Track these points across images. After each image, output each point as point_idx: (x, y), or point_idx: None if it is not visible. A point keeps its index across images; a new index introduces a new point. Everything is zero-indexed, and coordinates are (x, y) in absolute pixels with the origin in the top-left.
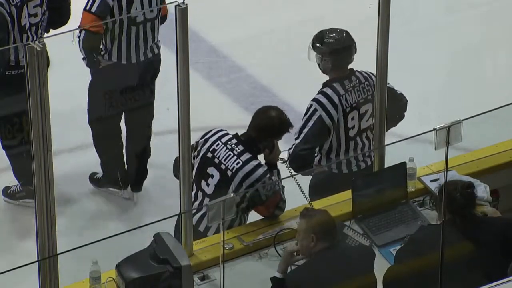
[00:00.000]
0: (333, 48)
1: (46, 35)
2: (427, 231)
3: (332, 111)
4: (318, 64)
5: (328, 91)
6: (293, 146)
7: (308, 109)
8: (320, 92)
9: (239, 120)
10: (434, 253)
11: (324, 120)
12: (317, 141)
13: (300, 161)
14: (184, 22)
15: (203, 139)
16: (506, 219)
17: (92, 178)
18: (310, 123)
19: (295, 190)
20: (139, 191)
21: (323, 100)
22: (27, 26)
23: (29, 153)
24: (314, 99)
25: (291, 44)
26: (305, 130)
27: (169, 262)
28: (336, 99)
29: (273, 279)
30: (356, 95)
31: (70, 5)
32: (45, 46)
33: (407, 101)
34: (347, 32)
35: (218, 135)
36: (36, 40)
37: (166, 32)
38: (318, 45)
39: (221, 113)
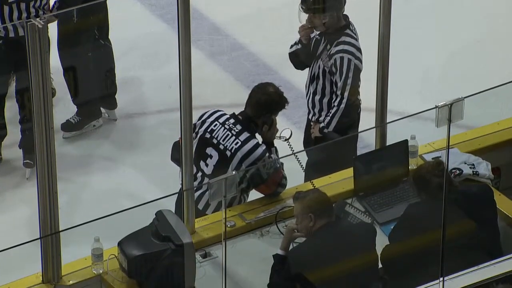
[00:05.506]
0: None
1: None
2: (415, 208)
3: (359, 55)
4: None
5: (347, 39)
6: (342, 100)
7: (342, 62)
8: (341, 43)
9: (240, 98)
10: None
11: (359, 67)
12: (358, 88)
13: (353, 112)
14: (185, 0)
15: (200, 121)
16: (484, 184)
17: (67, 125)
18: (351, 74)
19: (297, 167)
20: (115, 107)
21: (350, 48)
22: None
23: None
24: (342, 51)
25: (293, 22)
26: (349, 82)
27: (171, 240)
28: (356, 43)
29: (276, 256)
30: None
31: None
32: (47, 24)
33: None
34: None
35: (215, 115)
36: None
37: (168, 10)
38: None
39: (222, 91)
